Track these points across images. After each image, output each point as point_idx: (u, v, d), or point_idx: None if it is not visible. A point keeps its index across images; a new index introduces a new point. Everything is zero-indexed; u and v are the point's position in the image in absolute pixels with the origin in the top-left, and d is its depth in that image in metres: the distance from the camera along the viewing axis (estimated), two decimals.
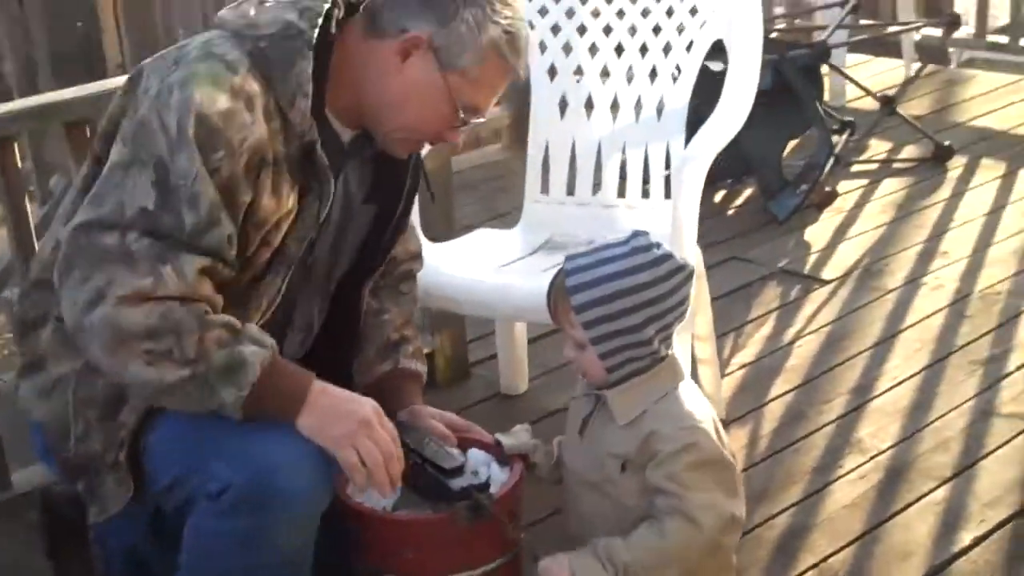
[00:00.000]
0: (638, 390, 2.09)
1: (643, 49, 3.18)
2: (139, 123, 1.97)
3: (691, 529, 2.01)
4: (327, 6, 2.05)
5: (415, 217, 2.53)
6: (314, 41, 2.01)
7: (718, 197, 4.69)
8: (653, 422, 2.06)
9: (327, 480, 2.03)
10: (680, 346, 2.73)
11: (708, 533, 2.01)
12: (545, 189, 3.24)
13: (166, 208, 1.93)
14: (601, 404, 2.14)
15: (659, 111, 3.16)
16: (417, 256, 2.48)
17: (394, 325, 2.39)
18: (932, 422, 3.17)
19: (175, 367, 1.93)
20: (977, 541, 2.70)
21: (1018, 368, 3.39)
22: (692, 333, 2.93)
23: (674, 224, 2.76)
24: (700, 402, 2.12)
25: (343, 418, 2.03)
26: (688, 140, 3.00)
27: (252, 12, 2.06)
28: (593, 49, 3.24)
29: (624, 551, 2.02)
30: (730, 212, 4.61)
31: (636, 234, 2.09)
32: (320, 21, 2.03)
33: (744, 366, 3.51)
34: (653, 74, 3.17)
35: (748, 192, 4.74)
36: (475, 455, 2.27)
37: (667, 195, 3.11)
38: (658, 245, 2.07)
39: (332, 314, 2.35)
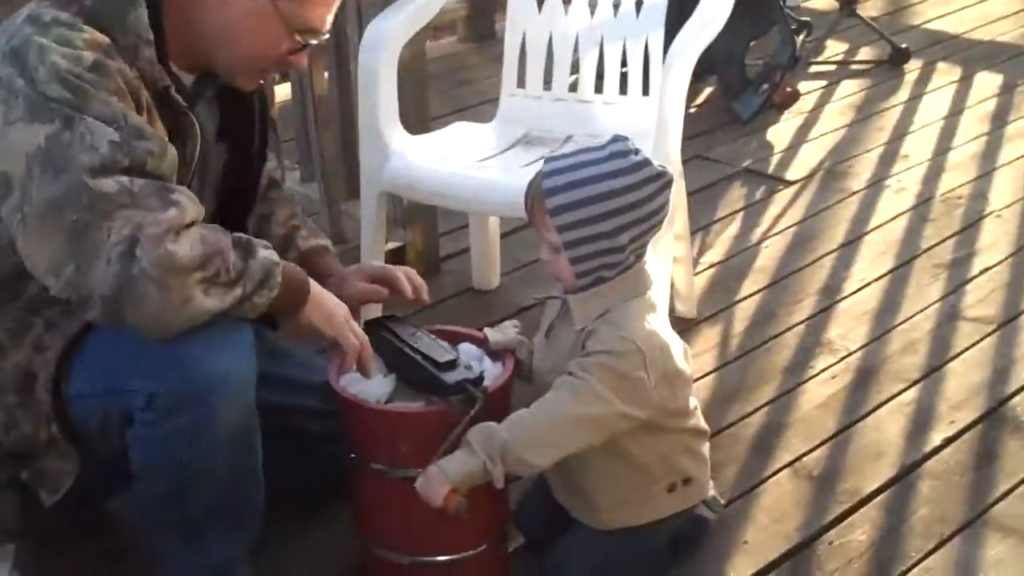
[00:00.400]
0: (600, 297, 2.08)
1: None
2: (30, 106, 1.88)
3: (572, 405, 2.00)
4: None
5: None
6: None
7: None
8: (598, 325, 2.06)
9: (245, 354, 2.01)
10: (663, 246, 2.74)
11: (588, 414, 2.00)
12: (521, 83, 3.20)
13: (127, 140, 1.89)
14: (565, 308, 2.15)
15: (638, 6, 3.12)
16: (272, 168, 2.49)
17: (279, 222, 2.41)
18: (899, 324, 3.20)
19: (227, 289, 1.92)
20: (947, 442, 2.74)
21: (981, 272, 3.43)
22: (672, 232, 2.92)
23: (659, 122, 2.74)
24: (656, 321, 2.09)
25: (336, 308, 2.13)
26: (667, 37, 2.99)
27: None
28: None
29: (503, 430, 2.01)
30: (691, 111, 4.59)
31: (616, 139, 2.07)
32: None
33: (713, 265, 3.52)
34: None
35: (707, 91, 4.73)
36: (466, 350, 2.27)
37: (645, 92, 3.09)
38: (636, 151, 2.05)
39: None
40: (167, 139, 1.99)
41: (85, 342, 2.04)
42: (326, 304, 2.12)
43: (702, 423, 2.25)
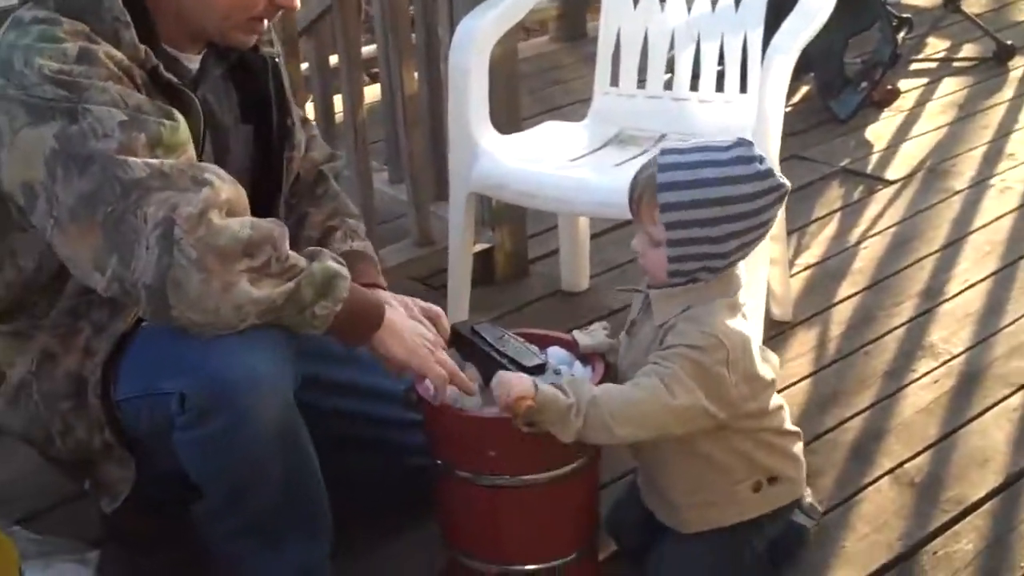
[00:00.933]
0: (687, 293, 2.03)
1: None
2: (29, 111, 1.86)
3: (663, 393, 1.95)
4: None
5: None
6: None
7: None
8: (679, 320, 2.02)
9: (278, 354, 1.94)
10: (759, 248, 2.66)
11: (677, 407, 1.95)
12: (615, 81, 3.14)
13: (137, 116, 1.85)
14: (647, 302, 2.10)
15: (736, 1, 3.05)
16: (329, 159, 2.40)
17: (313, 224, 2.30)
18: (1005, 327, 3.10)
19: (277, 281, 1.87)
20: None
21: None
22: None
23: (760, 119, 2.68)
24: (738, 323, 2.04)
25: (416, 338, 2.07)
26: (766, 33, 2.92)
27: None
28: None
29: (593, 388, 1.98)
30: (788, 109, 4.47)
31: (740, 142, 2.00)
32: None
33: (809, 267, 3.44)
34: None
35: (804, 89, 4.64)
36: (555, 353, 2.23)
37: (743, 89, 3.02)
38: (761, 159, 1.99)
39: None
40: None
41: (131, 343, 2.02)
42: (404, 332, 2.05)
43: (788, 423, 2.18)
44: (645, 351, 2.05)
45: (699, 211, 1.96)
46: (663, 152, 2.02)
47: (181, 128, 1.91)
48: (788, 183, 2.00)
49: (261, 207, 2.19)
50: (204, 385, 1.90)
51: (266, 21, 2.08)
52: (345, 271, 1.94)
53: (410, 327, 2.07)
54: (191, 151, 1.92)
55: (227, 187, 1.87)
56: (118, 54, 1.91)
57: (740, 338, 2.01)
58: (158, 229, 1.80)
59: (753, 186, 1.96)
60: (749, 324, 2.07)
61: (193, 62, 2.09)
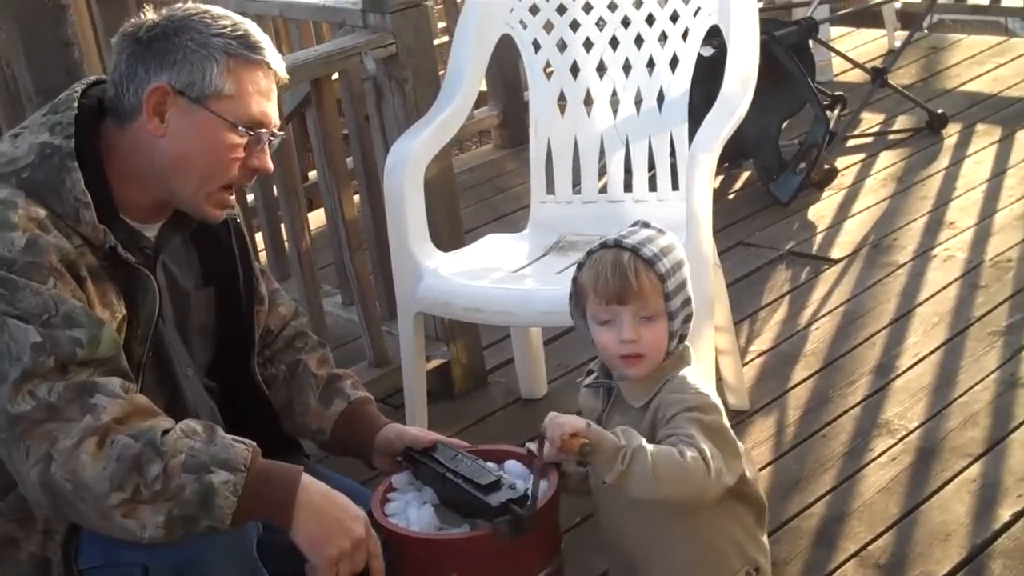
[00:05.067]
0: (658, 371, 2.06)
1: (638, 40, 3.14)
2: None
3: (703, 465, 1.96)
4: (74, 112, 2.00)
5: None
6: (73, 150, 1.97)
7: (716, 182, 4.64)
8: (661, 398, 2.05)
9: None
10: (705, 339, 2.70)
11: (714, 478, 1.97)
12: (551, 189, 3.19)
13: (53, 335, 1.88)
14: (615, 395, 2.12)
15: (659, 101, 3.11)
16: (295, 315, 2.41)
17: (313, 368, 2.33)
18: (958, 397, 3.14)
19: (151, 507, 1.86)
20: (1017, 517, 2.67)
21: None
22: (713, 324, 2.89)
23: (689, 217, 2.72)
24: (706, 383, 2.11)
25: (336, 535, 1.98)
26: (690, 129, 2.98)
27: (6, 149, 2.01)
28: (588, 44, 3.19)
29: (640, 438, 1.97)
30: (730, 197, 4.57)
31: (640, 222, 2.13)
32: (73, 130, 1.98)
33: (762, 353, 3.47)
34: (650, 64, 3.13)
35: (745, 175, 4.70)
36: (512, 467, 2.22)
37: (675, 187, 3.07)
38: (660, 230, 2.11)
39: (236, 402, 2.29)
40: (121, 304, 1.98)
41: None
42: (322, 528, 1.96)
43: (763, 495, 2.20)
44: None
45: (679, 275, 2.06)
46: (617, 240, 2.08)
47: (104, 343, 1.91)
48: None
49: (233, 365, 2.22)
50: (165, 556, 1.91)
51: (234, 194, 2.12)
52: (222, 486, 1.88)
53: (338, 530, 1.98)
54: (114, 360, 1.93)
55: (116, 404, 1.88)
56: (67, 246, 1.93)
57: (718, 399, 2.07)
58: (39, 465, 1.86)
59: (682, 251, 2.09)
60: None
61: (152, 231, 2.11)
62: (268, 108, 2.07)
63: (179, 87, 2.00)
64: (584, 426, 1.97)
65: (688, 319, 2.08)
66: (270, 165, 2.11)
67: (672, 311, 2.05)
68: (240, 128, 2.03)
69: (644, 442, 1.98)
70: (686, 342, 2.12)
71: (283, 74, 2.09)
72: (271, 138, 2.08)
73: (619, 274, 2.06)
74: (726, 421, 2.04)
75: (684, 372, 2.08)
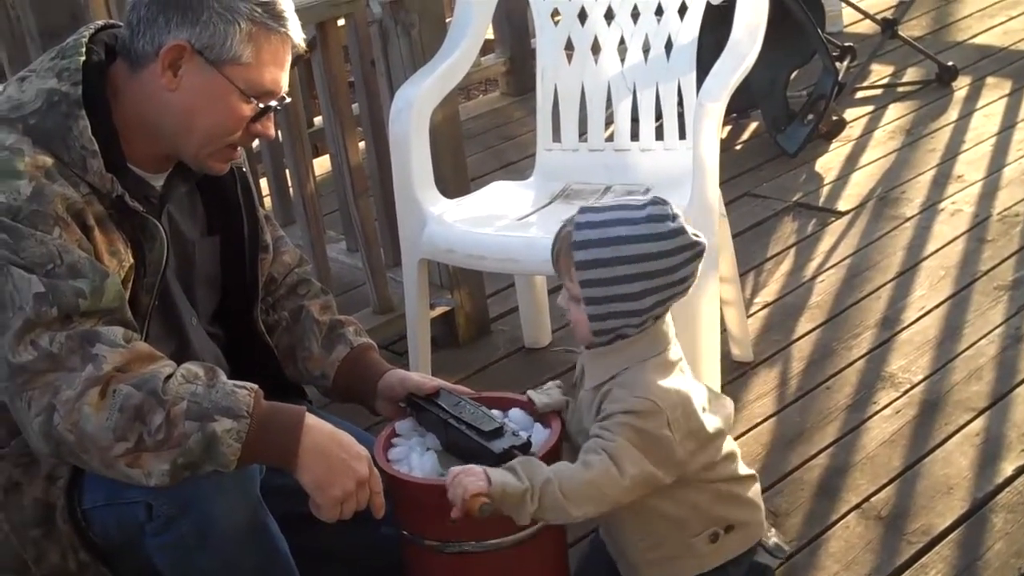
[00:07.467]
0: (617, 354, 2.03)
1: None
2: None
3: (612, 470, 1.94)
4: (82, 59, 1.98)
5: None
6: (81, 97, 1.95)
7: (724, 133, 4.61)
8: (613, 386, 2.01)
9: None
10: (708, 288, 2.69)
11: (628, 481, 1.95)
12: (557, 137, 3.17)
13: (56, 284, 1.87)
14: (581, 367, 2.12)
15: (667, 49, 3.08)
16: (299, 263, 2.42)
17: (316, 315, 2.34)
18: (963, 351, 3.13)
19: (156, 454, 1.87)
20: (1019, 471, 2.67)
21: None
22: (718, 275, 2.87)
23: (696, 166, 2.70)
24: (674, 380, 2.03)
25: (340, 476, 2.00)
26: (698, 78, 2.95)
27: (13, 93, 1.99)
28: None
29: (546, 470, 1.96)
30: (738, 147, 4.54)
31: (655, 201, 2.01)
32: (80, 76, 1.96)
33: (767, 305, 3.46)
34: (659, 11, 3.09)
35: (753, 126, 4.68)
36: (515, 415, 2.22)
37: (681, 135, 3.04)
38: (674, 217, 1.98)
39: (239, 349, 2.29)
40: (128, 253, 1.98)
41: None
42: (326, 468, 1.99)
43: (741, 469, 2.17)
44: (585, 415, 2.06)
45: (614, 268, 1.96)
46: (581, 211, 2.03)
47: (108, 294, 1.91)
48: (704, 240, 2.00)
49: (237, 313, 2.23)
50: (169, 494, 1.92)
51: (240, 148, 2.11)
52: (225, 434, 1.89)
53: (341, 468, 2.01)
54: (117, 310, 1.93)
55: (117, 355, 1.88)
56: (74, 194, 1.92)
57: (678, 397, 2.00)
58: (40, 416, 1.87)
59: (667, 244, 1.96)
60: (687, 378, 2.06)
61: (159, 180, 2.10)
62: (281, 78, 2.07)
63: (198, 47, 1.98)
64: (484, 483, 1.92)
65: (617, 316, 1.98)
66: (273, 133, 2.12)
67: (589, 299, 1.98)
68: (251, 98, 2.03)
69: (550, 473, 1.95)
70: (661, 323, 2.03)
71: (301, 44, 2.08)
72: (278, 107, 2.08)
73: (553, 246, 2.06)
74: (670, 430, 1.96)
75: (648, 364, 2.02)
